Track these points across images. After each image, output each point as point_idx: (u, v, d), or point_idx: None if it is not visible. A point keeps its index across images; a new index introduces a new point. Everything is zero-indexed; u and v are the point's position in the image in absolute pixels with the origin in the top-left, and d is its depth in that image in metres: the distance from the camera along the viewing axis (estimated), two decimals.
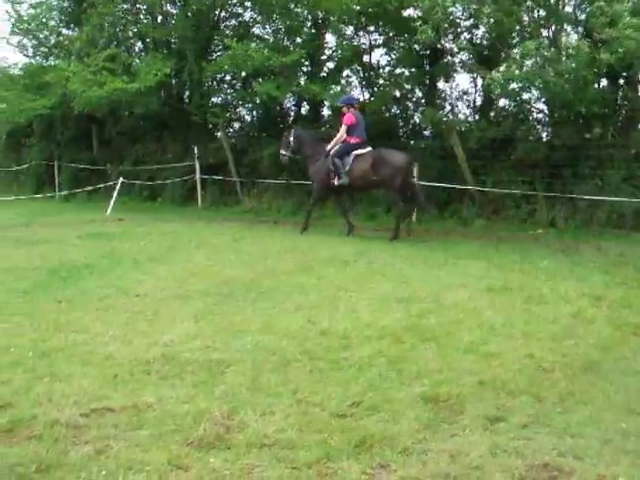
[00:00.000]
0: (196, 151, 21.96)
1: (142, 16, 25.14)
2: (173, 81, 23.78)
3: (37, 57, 26.74)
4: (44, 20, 25.73)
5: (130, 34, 25.50)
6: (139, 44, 25.98)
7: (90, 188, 24.00)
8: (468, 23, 18.94)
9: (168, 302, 8.71)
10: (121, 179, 21.85)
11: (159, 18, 24.49)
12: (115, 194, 21.29)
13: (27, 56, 26.54)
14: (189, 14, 23.01)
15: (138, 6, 24.85)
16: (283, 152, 16.78)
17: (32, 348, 6.78)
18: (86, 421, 5.11)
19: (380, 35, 21.85)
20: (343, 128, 15.78)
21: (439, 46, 19.76)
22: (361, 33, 21.88)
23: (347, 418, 5.15)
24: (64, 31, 26.55)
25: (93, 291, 9.39)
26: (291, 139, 16.54)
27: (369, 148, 15.66)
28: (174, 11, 24.34)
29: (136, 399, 5.46)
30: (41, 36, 26.01)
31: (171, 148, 23.73)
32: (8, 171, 28.82)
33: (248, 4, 23.55)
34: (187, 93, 24.86)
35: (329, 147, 15.86)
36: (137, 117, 25.34)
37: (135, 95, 21.31)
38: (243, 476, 4.32)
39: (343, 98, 16.81)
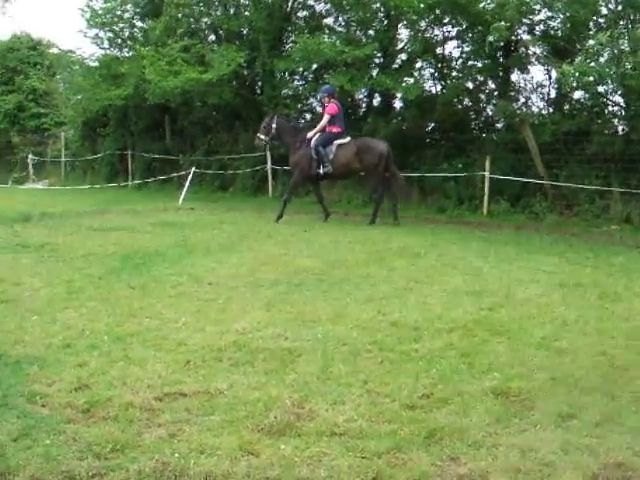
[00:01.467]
0: None
1: (215, 7, 25.34)
2: (245, 72, 23.92)
3: (112, 49, 27.15)
4: (119, 13, 26.10)
5: (203, 25, 25.74)
6: (212, 36, 26.17)
7: (162, 177, 24.32)
8: (543, 14, 18.61)
9: (239, 290, 8.80)
10: (193, 169, 22.10)
11: (232, 9, 24.65)
12: (187, 184, 21.54)
13: (102, 48, 27.02)
14: (261, 5, 23.10)
15: None
16: (262, 137, 16.68)
17: (107, 332, 6.94)
18: (159, 405, 5.22)
19: (453, 27, 21.63)
20: (326, 117, 16.04)
21: (513, 37, 19.49)
22: (434, 25, 21.68)
23: (417, 410, 5.14)
24: (138, 23, 26.93)
25: (166, 278, 9.54)
26: (273, 126, 16.45)
27: (349, 137, 16.19)
28: (247, 2, 24.47)
29: (208, 385, 5.54)
30: (116, 28, 26.40)
31: (243, 138, 23.85)
32: (83, 160, 29.36)
33: None
34: (259, 84, 24.99)
35: (310, 135, 16.07)
36: (210, 107, 25.58)
37: (208, 85, 21.52)
38: (313, 464, 4.35)
39: (325, 88, 16.99)
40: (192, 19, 24.64)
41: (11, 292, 8.74)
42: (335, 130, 15.96)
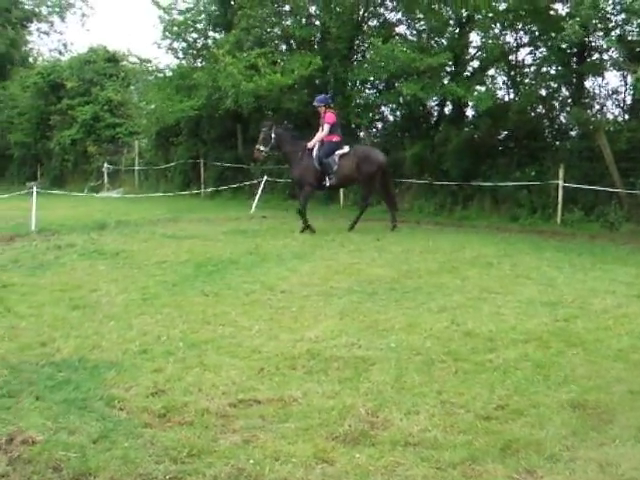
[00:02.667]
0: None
1: (286, 17, 25.51)
2: (317, 81, 23.99)
3: (186, 59, 27.52)
4: (193, 24, 26.45)
5: (274, 35, 25.93)
6: (283, 46, 26.33)
7: (234, 186, 24.53)
8: (619, 18, 18.24)
9: (312, 299, 8.83)
10: (265, 177, 22.24)
11: (303, 19, 24.78)
12: (259, 192, 21.70)
13: (177, 58, 27.41)
14: (333, 14, 23.17)
15: (283, 8, 25.24)
16: (262, 148, 16.10)
17: (182, 339, 7.05)
18: (234, 411, 5.27)
19: (526, 34, 21.39)
20: (326, 127, 15.73)
21: (587, 43, 19.18)
22: (507, 31, 21.47)
23: (492, 421, 5.10)
24: (211, 34, 27.26)
25: (239, 286, 9.62)
26: (272, 136, 15.93)
27: (347, 146, 16.04)
28: (318, 11, 24.57)
29: (282, 392, 5.58)
30: (190, 39, 26.76)
31: None
32: (157, 169, 29.79)
33: (392, 4, 23.57)
34: (330, 92, 25.03)
35: (310, 145, 15.82)
36: (281, 117, 25.71)
37: (282, 92, 21.65)
38: (387, 473, 4.34)
39: (320, 97, 16.61)
40: (263, 30, 24.82)
41: (88, 298, 8.94)
42: (335, 139, 15.82)
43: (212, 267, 11.07)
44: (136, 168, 30.76)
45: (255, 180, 23.21)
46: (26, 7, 43.32)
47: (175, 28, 26.05)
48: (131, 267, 11.19)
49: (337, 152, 15.65)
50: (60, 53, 44.92)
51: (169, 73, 27.32)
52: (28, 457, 4.53)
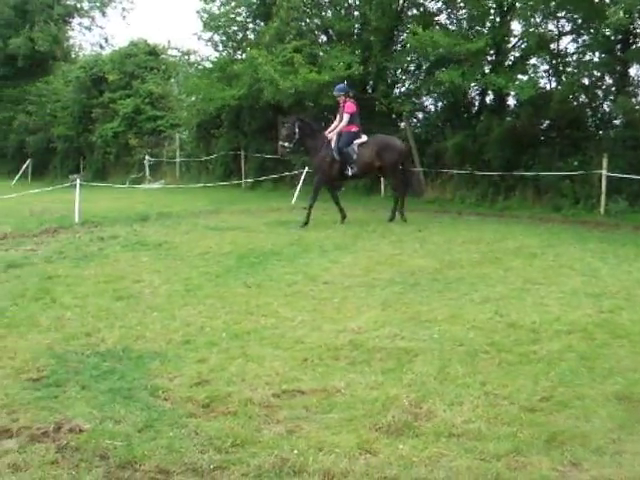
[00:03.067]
0: None
1: (326, 9, 25.45)
2: (357, 72, 23.92)
3: (226, 51, 27.59)
4: (233, 16, 26.51)
5: (314, 27, 25.89)
6: (323, 37, 26.29)
7: (275, 177, 24.57)
8: None
9: (355, 290, 8.84)
10: (306, 168, 22.22)
11: (342, 10, 24.72)
12: (300, 183, 21.72)
13: (217, 50, 27.49)
14: (373, 4, 23.07)
15: None
16: (286, 144, 15.57)
17: (225, 330, 7.10)
18: (278, 401, 5.30)
19: (568, 21, 21.11)
20: (346, 117, 15.48)
21: (631, 29, 18.88)
22: (549, 20, 21.19)
23: (537, 412, 5.06)
24: (251, 25, 27.29)
25: (281, 277, 9.66)
26: (296, 130, 15.39)
27: (365, 136, 15.79)
28: (357, 2, 24.49)
29: (325, 383, 5.59)
30: (230, 31, 26.81)
31: None
32: (197, 161, 29.91)
33: None
34: (371, 83, 24.96)
35: (331, 136, 15.52)
36: (321, 108, 25.70)
37: (322, 86, 21.62)
38: (431, 464, 4.34)
39: (340, 86, 16.34)
40: (302, 21, 24.80)
41: (132, 289, 9.04)
42: (353, 129, 15.61)
43: (254, 258, 11.11)
44: (177, 160, 30.94)
45: (296, 171, 23.20)
46: (68, 3, 43.72)
47: (215, 21, 26.10)
48: (174, 258, 11.29)
49: (355, 141, 15.48)
50: (101, 47, 45.31)
51: (209, 65, 27.42)
52: (76, 445, 4.61)
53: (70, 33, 45.56)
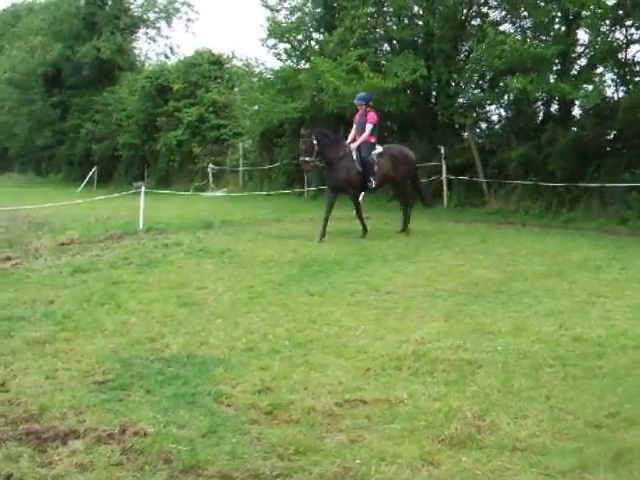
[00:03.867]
0: (442, 151, 21.93)
1: (389, 18, 25.43)
2: (421, 81, 23.86)
3: (290, 61, 27.74)
4: (298, 25, 26.64)
5: (377, 36, 25.89)
6: (386, 46, 26.28)
7: None
8: None
9: (417, 300, 8.80)
10: None
11: (406, 19, 24.68)
12: (363, 193, 21.64)
13: (280, 60, 27.66)
14: (436, 14, 23.00)
15: (385, 8, 25.20)
16: (307, 159, 14.55)
17: (288, 338, 7.13)
18: (340, 410, 5.30)
19: (637, 29, 20.73)
20: (369, 127, 14.85)
21: None
22: (616, 28, 20.84)
23: (603, 429, 4.97)
24: (315, 35, 27.41)
25: (344, 286, 9.66)
26: (315, 143, 14.39)
27: (379, 147, 15.25)
28: (421, 12, 24.42)
29: (388, 393, 5.58)
30: (294, 40, 26.95)
31: (417, 148, 23.70)
32: (260, 169, 30.08)
33: (495, 2, 23.25)
34: (434, 93, 24.88)
35: (354, 147, 14.79)
36: (384, 117, 25.66)
37: (385, 94, 21.60)
38: (494, 478, 4.31)
39: (362, 95, 15.77)
40: (366, 30, 24.81)
41: (195, 296, 9.13)
42: (372, 140, 15.02)
43: (317, 267, 11.15)
44: (240, 169, 31.14)
45: None
46: (134, 14, 44.47)
47: (281, 29, 26.27)
48: (237, 266, 11.37)
49: (373, 152, 14.94)
50: (166, 57, 45.95)
51: (272, 76, 27.59)
52: (140, 448, 4.67)
53: (136, 43, 46.35)
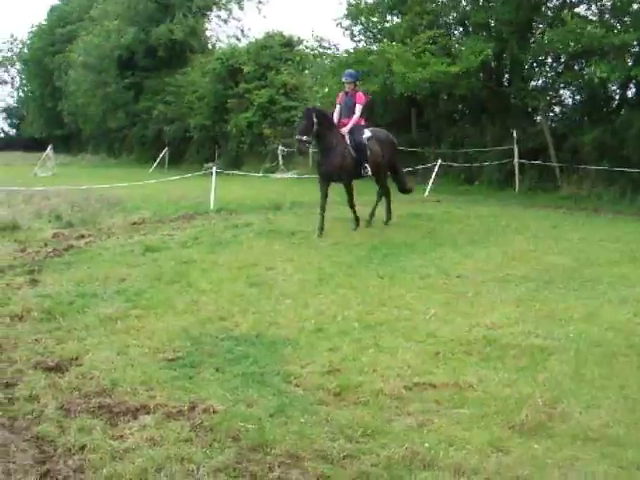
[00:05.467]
0: (515, 135, 21.61)
1: (462, 1, 25.12)
2: (493, 64, 23.54)
3: (362, 42, 27.62)
4: (375, 7, 26.48)
5: (450, 19, 25.60)
6: (459, 29, 25.97)
7: (408, 169, 24.38)
8: None
9: (488, 285, 8.70)
10: (439, 161, 22.04)
11: (480, 1, 24.32)
12: (433, 176, 21.54)
13: (354, 40, 27.54)
14: None
15: None
16: (304, 138, 12.70)
17: (358, 320, 7.12)
18: (409, 394, 5.29)
19: None
20: (359, 108, 13.39)
21: None
22: None
23: None
24: (389, 17, 27.21)
25: (414, 269, 9.61)
26: (315, 121, 12.66)
27: (367, 130, 13.75)
28: None
29: (457, 378, 5.54)
30: (369, 21, 26.80)
31: (489, 131, 23.52)
32: None
33: None
34: (506, 76, 24.53)
35: (346, 130, 13.18)
36: (456, 100, 25.44)
37: (455, 77, 21.38)
38: (565, 467, 4.23)
39: (351, 72, 14.04)
40: (438, 14, 24.54)
41: (265, 276, 9.19)
42: (362, 122, 13.68)
43: (386, 250, 11.10)
44: (310, 150, 31.16)
45: (429, 164, 23.03)
46: None
47: (358, 10, 26.13)
48: (306, 247, 11.42)
49: (364, 136, 13.45)
50: (237, 39, 46.22)
51: (344, 57, 27.50)
52: (209, 425, 4.74)
53: (208, 25, 46.72)
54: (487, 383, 5.42)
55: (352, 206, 13.48)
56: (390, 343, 6.36)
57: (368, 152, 13.33)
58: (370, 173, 13.52)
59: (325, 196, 13.15)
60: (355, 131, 13.29)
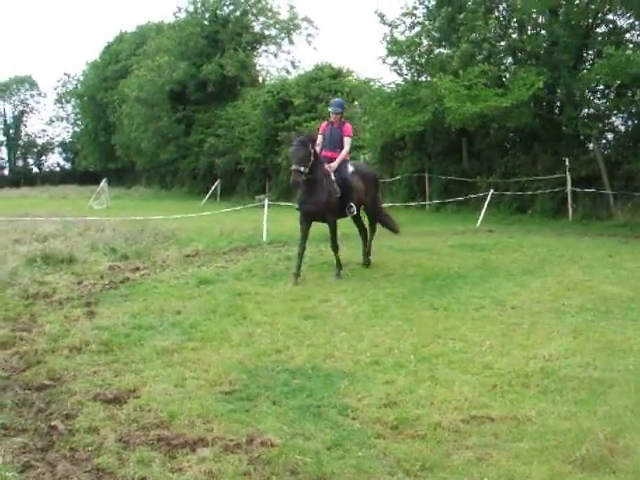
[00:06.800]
0: (567, 163, 21.43)
1: (512, 30, 25.08)
2: (545, 92, 23.40)
3: (410, 75, 27.67)
4: (418, 41, 26.56)
5: (500, 48, 25.56)
6: (509, 58, 25.90)
7: (460, 199, 24.34)
8: None
9: (544, 315, 8.59)
10: (491, 191, 21.92)
11: (529, 30, 24.27)
12: (485, 206, 21.42)
13: (400, 74, 27.60)
14: (561, 23, 22.50)
15: (510, 20, 24.88)
16: (302, 168, 11.25)
17: (413, 352, 7.10)
18: (466, 427, 5.24)
19: None
20: (348, 141, 12.32)
21: None
22: None
23: None
24: (436, 50, 27.25)
25: (468, 300, 9.55)
26: (312, 151, 11.46)
27: (350, 165, 12.60)
28: (545, 22, 23.94)
29: (515, 411, 5.48)
30: (414, 55, 26.87)
31: (541, 160, 23.37)
32: (381, 182, 30.05)
33: (622, 9, 22.56)
34: (558, 104, 24.37)
35: (334, 166, 12.00)
36: (506, 129, 25.32)
37: (507, 109, 21.30)
38: None
39: (338, 101, 13.00)
40: (489, 44, 24.52)
41: (319, 308, 9.23)
42: (347, 157, 12.57)
43: (440, 281, 11.06)
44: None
45: (481, 193, 22.93)
46: (256, 31, 45.46)
47: (401, 45, 26.25)
48: (359, 279, 11.43)
49: (349, 172, 12.31)
50: (287, 72, 46.76)
51: (393, 89, 27.59)
52: (267, 458, 4.75)
53: (258, 59, 47.33)
54: (546, 416, 5.35)
55: (335, 249, 12.04)
56: (446, 376, 6.31)
57: (354, 189, 12.20)
58: (355, 212, 12.35)
59: (305, 237, 11.95)
60: (341, 167, 12.13)
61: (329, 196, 11.69)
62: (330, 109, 12.59)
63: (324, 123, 12.72)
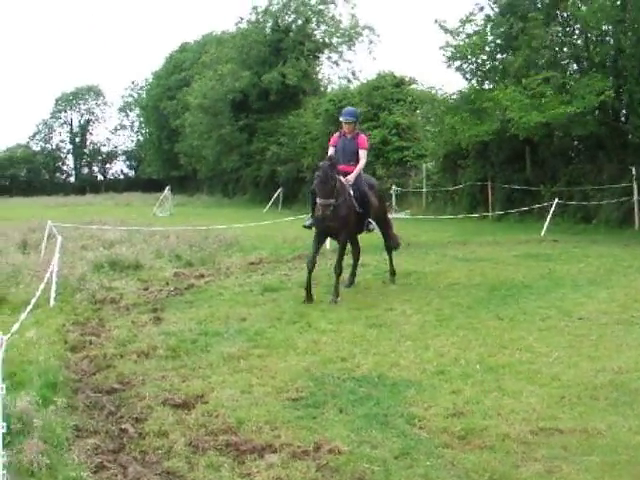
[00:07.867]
0: (634, 172, 21.09)
1: (576, 36, 24.79)
2: (609, 100, 23.06)
3: (474, 80, 27.49)
4: (480, 46, 26.37)
5: (564, 56, 25.27)
6: (574, 66, 25.58)
7: (524, 209, 24.09)
8: None
9: (612, 327, 8.48)
10: (556, 200, 21.67)
11: (594, 37, 23.94)
12: (549, 215, 21.17)
13: (466, 79, 27.43)
14: (627, 31, 22.16)
15: (573, 27, 24.60)
16: (331, 201, 10.55)
17: (479, 362, 7.07)
18: (535, 439, 5.19)
19: None
20: (364, 154, 11.61)
21: None
22: None
23: None
24: (499, 55, 27.05)
25: (534, 311, 9.47)
26: (335, 176, 10.71)
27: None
28: (610, 28, 23.59)
29: (585, 423, 5.41)
30: (478, 61, 26.70)
31: (607, 169, 23.03)
32: (444, 191, 29.99)
33: None
34: (624, 111, 24.00)
35: (351, 179, 11.24)
36: (571, 138, 25.01)
37: (571, 117, 21.05)
38: None
39: (351, 110, 12.41)
40: (552, 50, 24.25)
41: (384, 317, 9.25)
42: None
43: (505, 291, 11.00)
44: (423, 190, 31.16)
45: (545, 203, 22.69)
46: (318, 39, 45.62)
47: (461, 52, 26.11)
48: (423, 288, 11.43)
49: (366, 186, 11.71)
50: (349, 81, 46.83)
51: (456, 97, 27.45)
52: (335, 466, 4.79)
53: (319, 68, 47.49)
54: (616, 430, 5.28)
55: (339, 272, 11.03)
56: (513, 386, 6.27)
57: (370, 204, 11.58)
58: (374, 229, 11.84)
59: (317, 251, 11.29)
60: (358, 180, 11.43)
61: (348, 212, 11.03)
62: (342, 118, 11.86)
63: (335, 134, 12.05)
